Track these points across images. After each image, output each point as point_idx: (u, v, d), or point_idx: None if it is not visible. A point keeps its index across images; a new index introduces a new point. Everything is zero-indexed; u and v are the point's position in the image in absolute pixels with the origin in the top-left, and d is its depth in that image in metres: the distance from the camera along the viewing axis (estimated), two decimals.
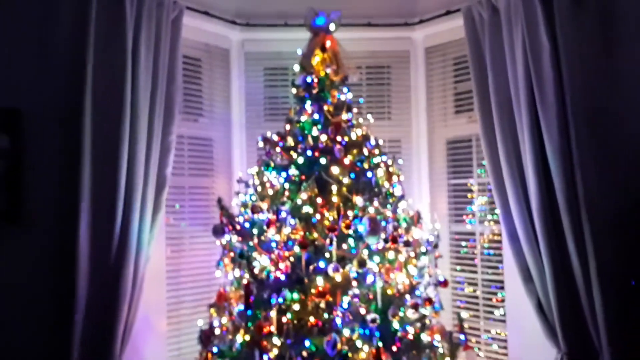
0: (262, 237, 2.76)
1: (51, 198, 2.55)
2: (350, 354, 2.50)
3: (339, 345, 2.48)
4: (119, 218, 2.58)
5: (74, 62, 2.55)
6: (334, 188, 2.72)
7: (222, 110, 3.59)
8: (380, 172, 2.88)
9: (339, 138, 2.81)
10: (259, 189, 2.88)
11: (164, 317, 3.16)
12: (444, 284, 3.03)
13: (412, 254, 2.90)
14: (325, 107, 2.88)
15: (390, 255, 2.76)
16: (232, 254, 2.85)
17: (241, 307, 2.71)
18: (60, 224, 2.50)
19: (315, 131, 2.82)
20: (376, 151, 2.92)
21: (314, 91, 2.89)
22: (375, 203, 2.75)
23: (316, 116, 2.85)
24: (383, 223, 2.75)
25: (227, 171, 3.57)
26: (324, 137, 2.80)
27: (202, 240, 3.38)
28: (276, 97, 3.69)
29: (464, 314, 2.96)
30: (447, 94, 3.67)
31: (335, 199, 2.70)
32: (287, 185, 2.78)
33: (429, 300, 2.84)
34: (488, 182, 3.38)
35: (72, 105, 2.55)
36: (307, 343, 2.53)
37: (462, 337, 2.89)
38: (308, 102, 2.89)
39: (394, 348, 2.62)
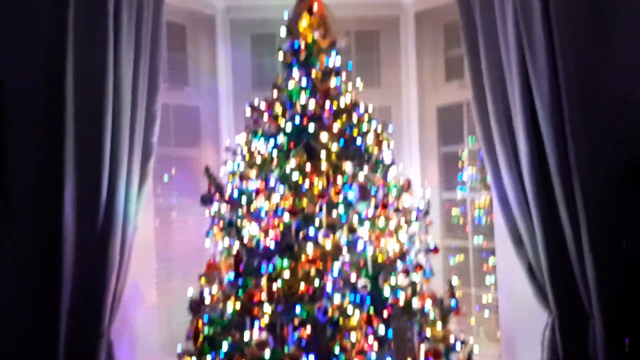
0: (251, 206, 2.73)
1: (35, 167, 2.49)
2: (341, 320, 2.50)
3: (330, 312, 2.48)
4: (105, 187, 2.52)
5: (54, 31, 2.46)
6: (323, 155, 2.68)
7: (208, 78, 3.52)
8: (370, 138, 2.84)
9: (327, 104, 2.77)
10: (247, 157, 2.84)
11: (154, 288, 3.15)
12: (435, 250, 3.02)
13: (403, 221, 2.89)
14: (313, 73, 2.83)
15: (381, 222, 2.74)
16: (221, 224, 2.82)
17: (231, 275, 2.69)
18: (44, 193, 2.44)
19: (303, 98, 2.77)
20: (366, 118, 2.87)
21: (302, 57, 2.83)
22: (365, 170, 2.73)
23: (304, 82, 2.80)
24: (373, 190, 2.73)
25: (214, 141, 3.52)
26: (312, 104, 2.75)
27: (191, 211, 3.35)
28: (264, 65, 3.62)
29: (455, 281, 2.96)
30: (437, 59, 3.61)
31: (324, 166, 2.67)
32: (275, 153, 2.74)
33: (419, 267, 2.84)
34: (479, 149, 3.37)
35: (53, 75, 2.47)
36: (298, 310, 2.52)
37: (453, 302, 2.89)
38: (295, 68, 2.83)
39: (385, 314, 2.62)
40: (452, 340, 2.85)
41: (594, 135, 2.46)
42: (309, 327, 2.50)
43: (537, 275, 2.66)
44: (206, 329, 2.67)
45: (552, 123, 2.50)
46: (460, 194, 3.55)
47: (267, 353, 2.48)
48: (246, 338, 2.54)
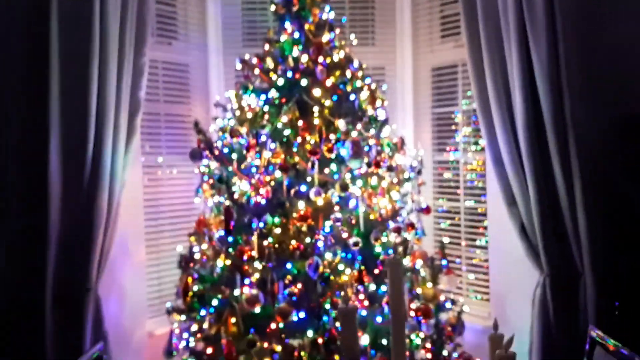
0: (242, 162, 2.68)
1: (19, 119, 2.41)
2: (332, 277, 2.48)
3: (320, 269, 2.46)
4: (91, 140, 2.45)
5: None
6: (316, 111, 2.62)
7: (197, 33, 3.42)
8: (364, 95, 2.78)
9: (320, 59, 2.70)
10: (238, 112, 2.77)
11: (143, 246, 3.11)
12: (427, 210, 3.00)
13: (395, 180, 2.86)
14: (306, 27, 2.75)
15: (373, 180, 2.71)
16: (211, 180, 2.77)
17: (221, 232, 2.65)
18: (29, 147, 2.37)
19: (295, 52, 2.70)
20: (359, 74, 2.81)
21: (294, 9, 2.75)
22: (358, 127, 2.68)
23: (296, 35, 2.72)
24: (366, 147, 2.69)
25: (204, 98, 3.44)
26: (304, 58, 2.68)
27: (180, 169, 3.30)
28: (254, 20, 3.52)
29: (446, 240, 2.96)
30: (433, 17, 3.53)
31: (316, 122, 2.61)
32: (266, 108, 2.68)
33: (411, 226, 2.82)
34: (473, 111, 3.32)
35: (37, 25, 2.37)
36: (288, 266, 2.50)
37: (443, 262, 2.89)
38: (288, 21, 2.75)
39: (376, 271, 2.61)
40: (442, 299, 2.86)
41: (591, 91, 2.42)
42: (299, 284, 2.48)
43: (530, 234, 2.65)
44: (196, 285, 2.65)
45: (549, 79, 2.46)
46: (452, 156, 3.52)
47: (257, 309, 2.46)
48: (236, 294, 2.52)
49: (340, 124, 2.62)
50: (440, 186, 3.60)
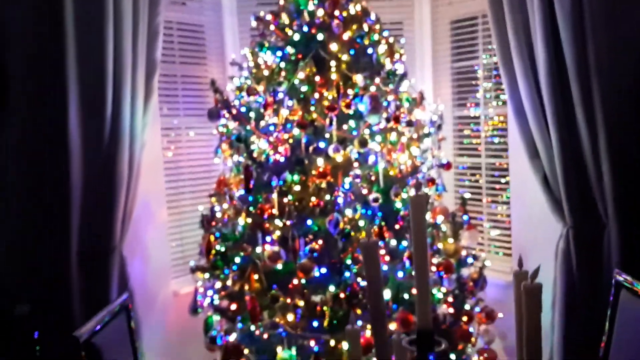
0: (260, 121, 2.67)
1: (37, 83, 2.41)
2: (352, 233, 2.48)
3: (341, 225, 2.46)
4: (109, 102, 2.46)
5: None
6: (333, 66, 2.58)
7: None
8: (382, 48, 2.73)
9: (336, 13, 2.64)
10: (254, 71, 2.75)
11: (164, 207, 3.14)
12: (447, 166, 2.98)
13: (415, 135, 2.83)
14: None
15: (393, 136, 2.68)
16: (229, 140, 2.77)
17: (242, 191, 2.67)
18: (47, 109, 2.38)
19: (311, 6, 2.64)
20: (377, 27, 2.75)
21: None
22: (377, 81, 2.64)
23: None
24: (385, 102, 2.65)
25: (220, 59, 3.41)
26: (320, 12, 2.63)
27: (199, 130, 3.31)
28: None
29: (467, 196, 2.93)
30: None
31: (334, 77, 2.57)
32: (283, 65, 2.65)
33: (431, 181, 2.80)
34: (494, 65, 3.25)
35: None
36: (309, 223, 2.51)
37: (465, 217, 2.87)
38: None
39: (397, 227, 2.61)
40: (463, 255, 2.85)
41: (616, 37, 2.34)
42: (320, 240, 2.49)
43: (552, 186, 2.61)
44: (218, 244, 2.68)
45: (572, 27, 2.37)
46: (473, 112, 3.46)
47: (279, 265, 2.49)
48: (258, 252, 2.54)
49: (358, 78, 2.58)
50: (461, 142, 3.55)
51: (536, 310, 0.81)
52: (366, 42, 2.68)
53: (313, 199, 2.53)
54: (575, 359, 2.56)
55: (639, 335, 1.57)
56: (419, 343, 0.89)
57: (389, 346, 0.93)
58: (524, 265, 0.99)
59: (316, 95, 2.57)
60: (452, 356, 2.73)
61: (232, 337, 2.66)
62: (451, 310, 2.76)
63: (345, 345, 2.47)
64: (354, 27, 2.67)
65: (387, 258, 2.55)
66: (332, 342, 2.51)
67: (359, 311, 2.42)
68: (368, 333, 2.43)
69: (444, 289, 2.71)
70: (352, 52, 2.64)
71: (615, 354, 1.76)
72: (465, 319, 2.75)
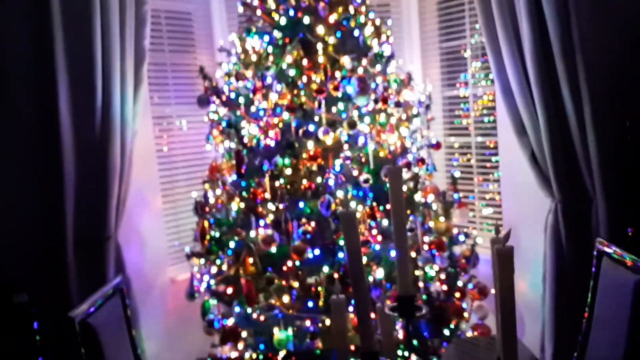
0: (250, 106, 2.69)
1: (26, 73, 2.43)
2: None
3: (333, 206, 2.49)
4: (99, 92, 2.47)
5: None
6: (320, 49, 2.60)
7: None
8: (368, 30, 2.75)
9: None
10: (242, 56, 2.76)
11: (159, 195, 3.17)
12: (437, 146, 3.01)
13: (404, 116, 2.86)
14: None
15: (382, 117, 2.71)
16: (220, 127, 2.79)
17: (234, 177, 2.70)
18: (37, 99, 2.40)
19: None
20: (363, 9, 2.77)
21: None
22: (364, 63, 2.66)
23: None
24: (373, 84, 2.67)
25: (208, 46, 3.42)
26: None
27: (190, 118, 3.32)
28: None
29: (457, 174, 2.97)
30: None
31: (321, 60, 2.59)
32: (270, 50, 2.67)
33: (421, 161, 2.83)
34: (482, 44, 3.26)
35: None
36: (301, 205, 2.54)
37: (455, 195, 2.91)
38: None
39: (388, 207, 2.64)
40: (455, 233, 2.90)
41: (599, 13, 2.36)
42: (313, 222, 2.53)
43: (540, 162, 2.64)
44: (212, 230, 2.72)
45: (555, 3, 2.39)
46: (462, 92, 3.48)
47: (273, 248, 2.52)
48: (252, 235, 2.58)
49: (345, 61, 2.60)
50: (451, 122, 3.58)
51: (509, 271, 0.84)
52: (352, 24, 2.70)
53: (304, 181, 2.56)
54: (566, 330, 2.61)
55: (618, 299, 1.61)
56: (400, 308, 0.92)
57: (369, 305, 0.96)
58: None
59: (304, 79, 2.59)
60: (446, 332, 2.78)
61: (230, 321, 2.72)
62: (444, 287, 2.82)
63: None
64: (340, 9, 2.69)
65: (379, 238, 2.58)
66: (328, 322, 2.56)
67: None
68: None
69: (436, 267, 2.75)
70: (338, 34, 2.66)
71: (598, 321, 1.80)
72: (458, 295, 2.80)
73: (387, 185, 2.58)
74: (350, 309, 2.17)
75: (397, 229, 0.90)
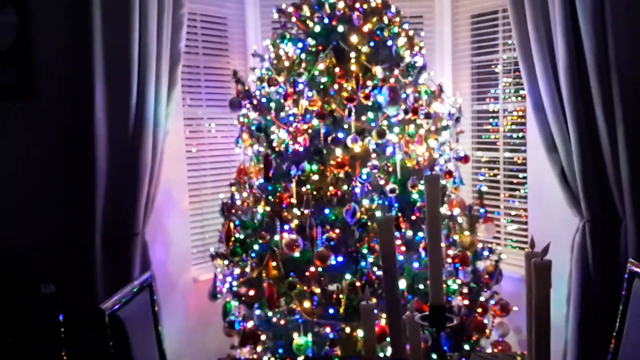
0: (280, 111, 2.72)
1: (62, 74, 2.50)
2: (369, 223, 2.52)
3: (358, 215, 2.50)
4: (134, 92, 2.53)
5: None
6: (353, 57, 2.62)
7: None
8: (401, 41, 2.76)
9: (357, 5, 2.68)
10: (275, 62, 2.79)
11: (186, 195, 3.21)
12: (465, 159, 2.99)
13: (433, 128, 2.85)
14: None
15: (411, 127, 2.71)
16: (250, 130, 2.83)
17: (261, 180, 2.72)
18: (74, 98, 2.46)
19: None
20: (397, 20, 2.78)
21: None
22: (396, 73, 2.66)
23: None
24: (403, 94, 2.68)
25: (242, 51, 3.47)
26: (341, 4, 2.67)
27: (220, 120, 3.37)
28: None
29: (484, 189, 2.95)
30: None
31: (353, 68, 2.61)
32: (303, 56, 2.69)
33: (449, 174, 2.82)
34: (514, 60, 3.25)
35: None
36: (326, 212, 2.55)
37: (481, 210, 2.89)
38: None
39: (413, 218, 2.64)
40: (479, 247, 2.87)
41: (636, 32, 2.34)
42: (337, 229, 2.53)
43: (570, 180, 2.61)
44: (237, 232, 2.74)
45: (592, 21, 2.37)
46: (492, 107, 3.47)
47: (297, 253, 2.53)
48: (276, 239, 2.59)
49: (377, 70, 2.61)
50: (479, 136, 3.56)
51: (545, 286, 0.84)
52: (386, 34, 2.71)
53: (331, 188, 2.57)
54: (589, 352, 2.56)
55: None
56: (431, 317, 0.92)
57: (401, 312, 0.96)
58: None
59: (335, 86, 2.61)
60: (467, 347, 2.76)
61: (250, 323, 2.73)
62: (466, 302, 2.79)
63: (360, 333, 2.52)
64: (374, 19, 2.70)
65: (403, 249, 2.58)
66: (348, 330, 2.56)
67: (374, 300, 2.46)
68: (383, 322, 2.47)
69: (459, 281, 2.73)
70: (371, 44, 2.67)
71: (627, 346, 1.77)
72: (480, 310, 2.78)
73: (413, 195, 2.62)
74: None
75: (430, 238, 0.91)
